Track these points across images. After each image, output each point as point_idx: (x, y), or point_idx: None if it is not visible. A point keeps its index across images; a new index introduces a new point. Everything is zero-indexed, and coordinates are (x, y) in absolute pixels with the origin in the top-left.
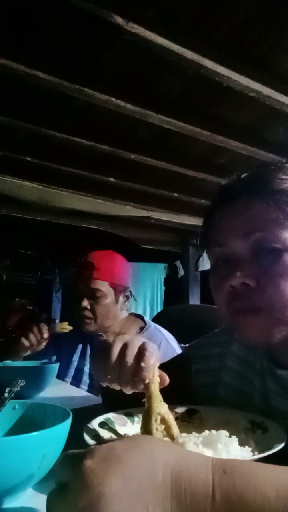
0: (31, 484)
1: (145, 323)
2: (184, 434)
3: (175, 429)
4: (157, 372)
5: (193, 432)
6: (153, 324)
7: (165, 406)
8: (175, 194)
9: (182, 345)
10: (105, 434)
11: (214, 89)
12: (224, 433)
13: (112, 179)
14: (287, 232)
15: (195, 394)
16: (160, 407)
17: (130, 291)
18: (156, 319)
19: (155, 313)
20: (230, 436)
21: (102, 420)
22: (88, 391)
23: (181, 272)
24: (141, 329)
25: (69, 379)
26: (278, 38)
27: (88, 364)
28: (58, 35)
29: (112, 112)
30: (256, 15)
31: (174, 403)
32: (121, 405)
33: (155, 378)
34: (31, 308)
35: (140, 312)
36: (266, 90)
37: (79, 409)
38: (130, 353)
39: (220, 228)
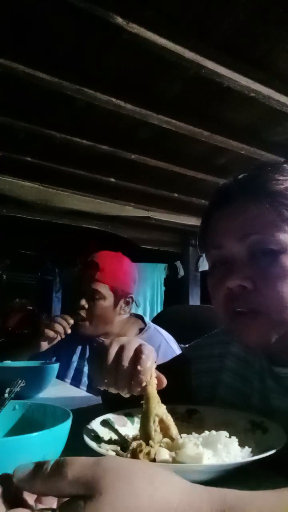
0: None
1: (145, 324)
2: (184, 435)
3: (174, 429)
4: (154, 374)
5: (193, 433)
6: (153, 325)
7: (163, 407)
8: (175, 194)
9: (182, 345)
10: (105, 434)
11: (214, 89)
12: (224, 433)
13: (112, 179)
14: (283, 234)
15: (195, 394)
16: (158, 408)
17: (132, 297)
18: (156, 319)
19: (155, 313)
20: (230, 437)
21: (102, 420)
22: (87, 391)
23: (181, 272)
24: (141, 330)
25: (68, 380)
26: (278, 38)
27: (88, 365)
28: (58, 35)
29: (112, 112)
30: (256, 15)
31: (174, 403)
32: (121, 405)
33: (152, 380)
34: (31, 308)
35: (140, 312)
36: (266, 90)
37: (79, 409)
38: (126, 356)
39: (217, 230)
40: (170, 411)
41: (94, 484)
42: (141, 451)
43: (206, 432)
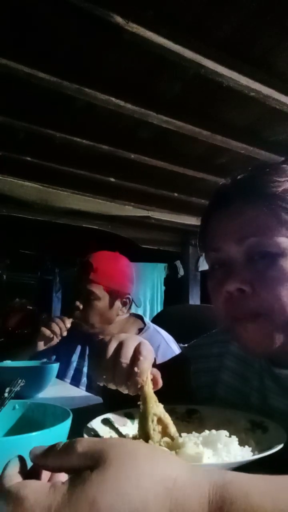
0: None
1: (145, 324)
2: (184, 434)
3: (172, 428)
4: (150, 376)
5: (193, 432)
6: (152, 326)
7: (161, 406)
8: (175, 194)
9: (182, 345)
10: (105, 434)
11: (214, 89)
12: (224, 433)
13: (112, 179)
14: (281, 237)
15: (194, 394)
16: (156, 407)
17: (129, 297)
18: (156, 319)
19: (155, 313)
20: (230, 436)
21: (102, 420)
22: (86, 391)
23: (181, 272)
24: (140, 330)
25: (68, 380)
26: (278, 38)
27: (87, 365)
28: (58, 35)
29: (112, 112)
30: (256, 15)
31: (174, 403)
32: (121, 405)
33: (148, 380)
34: (31, 308)
35: (140, 312)
36: (266, 90)
37: (79, 409)
38: (124, 354)
39: (215, 232)
40: (170, 411)
41: (100, 456)
42: None
43: (206, 432)
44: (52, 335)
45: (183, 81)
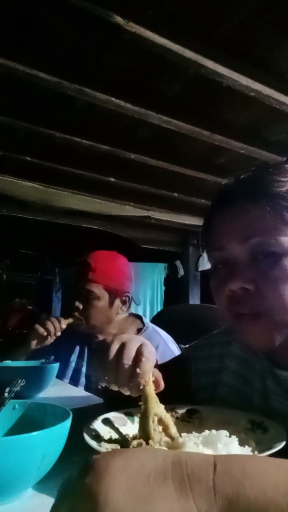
0: (31, 484)
1: (144, 324)
2: (184, 434)
3: (173, 428)
4: (152, 377)
5: (193, 432)
6: (151, 326)
7: (162, 406)
8: (175, 194)
9: (182, 345)
10: (105, 433)
11: (214, 89)
12: (224, 433)
13: (112, 179)
14: (285, 236)
15: (195, 394)
16: (157, 408)
17: (128, 296)
18: (156, 318)
19: (155, 313)
20: (230, 436)
21: (102, 420)
22: (85, 391)
23: (181, 272)
24: (139, 330)
25: (67, 380)
26: (278, 38)
27: (86, 365)
28: (58, 35)
29: (112, 112)
30: (256, 15)
31: (174, 403)
32: (121, 405)
33: (150, 381)
34: (31, 308)
35: (140, 312)
36: (266, 90)
37: (79, 409)
38: (127, 355)
39: (219, 232)
40: (170, 411)
41: None
42: None
43: (206, 432)
44: (45, 334)
45: (183, 81)
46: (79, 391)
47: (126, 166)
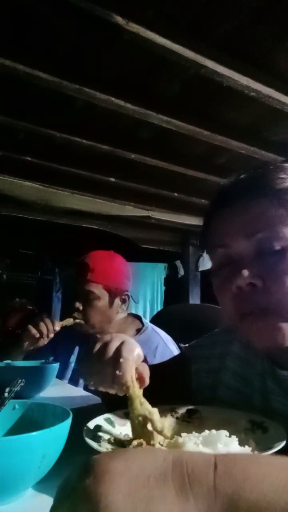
0: (31, 484)
1: (143, 325)
2: (184, 434)
3: (158, 423)
4: (135, 375)
5: (193, 432)
6: (150, 326)
7: (146, 403)
8: (175, 194)
9: (182, 345)
10: (105, 434)
11: (214, 89)
12: (224, 433)
13: (112, 179)
14: None
15: (195, 394)
16: (140, 408)
17: (128, 295)
18: (156, 318)
19: (155, 313)
20: (230, 436)
21: (102, 420)
22: None
23: (181, 272)
24: (138, 330)
25: (66, 380)
26: (278, 38)
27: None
28: (58, 35)
29: (112, 112)
30: (256, 15)
31: (174, 403)
32: (121, 405)
33: (133, 380)
34: (31, 308)
35: (140, 312)
36: (266, 90)
37: (79, 409)
38: (106, 357)
39: (223, 229)
40: (170, 411)
41: None
42: None
43: (206, 432)
44: (38, 335)
45: (183, 81)
46: (79, 391)
47: (126, 166)
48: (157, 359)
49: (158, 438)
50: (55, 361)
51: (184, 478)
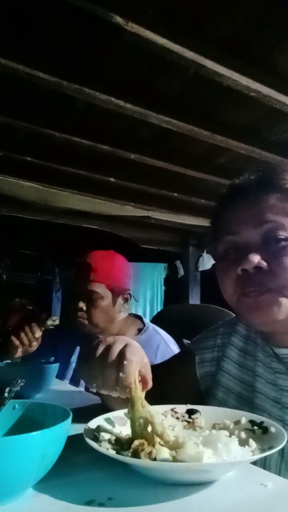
0: (31, 484)
1: (144, 325)
2: (184, 434)
3: (159, 426)
4: (138, 377)
5: (193, 432)
6: (151, 326)
7: (147, 406)
8: (175, 194)
9: (185, 340)
10: (105, 434)
11: (214, 88)
12: (224, 433)
13: (112, 179)
14: None
15: (197, 384)
16: (141, 410)
17: (130, 293)
18: (156, 318)
19: (155, 313)
20: (230, 436)
21: (102, 420)
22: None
23: (181, 272)
24: (140, 330)
25: (67, 380)
26: (278, 38)
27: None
28: (58, 35)
29: (112, 112)
30: (256, 15)
31: (176, 400)
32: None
33: (136, 383)
34: (31, 308)
35: (140, 312)
36: (266, 90)
37: (79, 408)
38: (109, 360)
39: (233, 218)
40: (170, 411)
41: None
42: (142, 450)
43: (206, 431)
44: (20, 347)
45: (183, 81)
46: (79, 391)
47: (126, 166)
48: (158, 359)
49: (158, 439)
50: (55, 361)
51: None
